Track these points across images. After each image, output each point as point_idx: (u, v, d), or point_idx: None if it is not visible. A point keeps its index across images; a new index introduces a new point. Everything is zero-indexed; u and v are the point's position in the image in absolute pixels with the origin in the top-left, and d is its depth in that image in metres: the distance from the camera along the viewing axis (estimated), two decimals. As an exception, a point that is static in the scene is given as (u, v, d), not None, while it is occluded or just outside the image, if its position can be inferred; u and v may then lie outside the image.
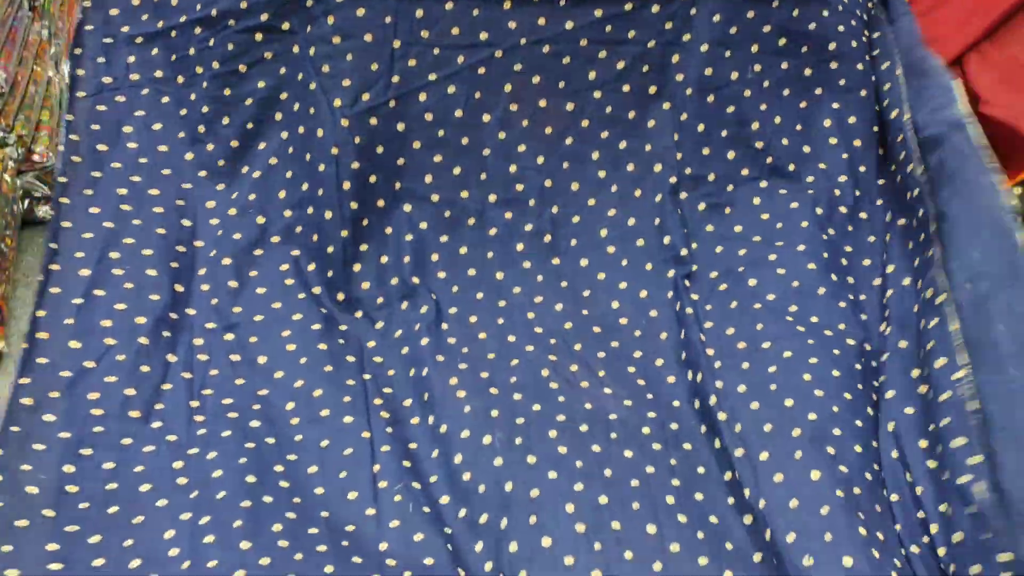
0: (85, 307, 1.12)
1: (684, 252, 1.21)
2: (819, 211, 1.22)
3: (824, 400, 1.05)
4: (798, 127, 1.26)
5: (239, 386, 1.14)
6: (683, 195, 1.23)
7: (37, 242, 1.47)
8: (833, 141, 1.26)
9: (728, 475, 1.04)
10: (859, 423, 1.04)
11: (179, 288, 1.20)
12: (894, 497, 1.01)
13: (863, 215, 1.23)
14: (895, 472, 1.02)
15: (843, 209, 1.23)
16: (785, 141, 1.25)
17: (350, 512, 1.03)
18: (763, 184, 1.22)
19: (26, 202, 1.48)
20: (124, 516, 0.99)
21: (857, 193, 1.24)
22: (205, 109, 1.22)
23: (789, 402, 1.05)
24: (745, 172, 1.22)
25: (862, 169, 1.25)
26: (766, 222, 1.22)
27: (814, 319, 1.13)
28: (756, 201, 1.22)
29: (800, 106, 1.26)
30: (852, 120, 1.25)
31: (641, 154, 1.24)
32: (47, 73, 1.61)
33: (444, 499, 1.05)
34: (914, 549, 0.96)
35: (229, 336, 1.18)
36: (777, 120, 1.24)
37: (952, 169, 1.07)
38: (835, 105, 1.26)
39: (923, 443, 1.01)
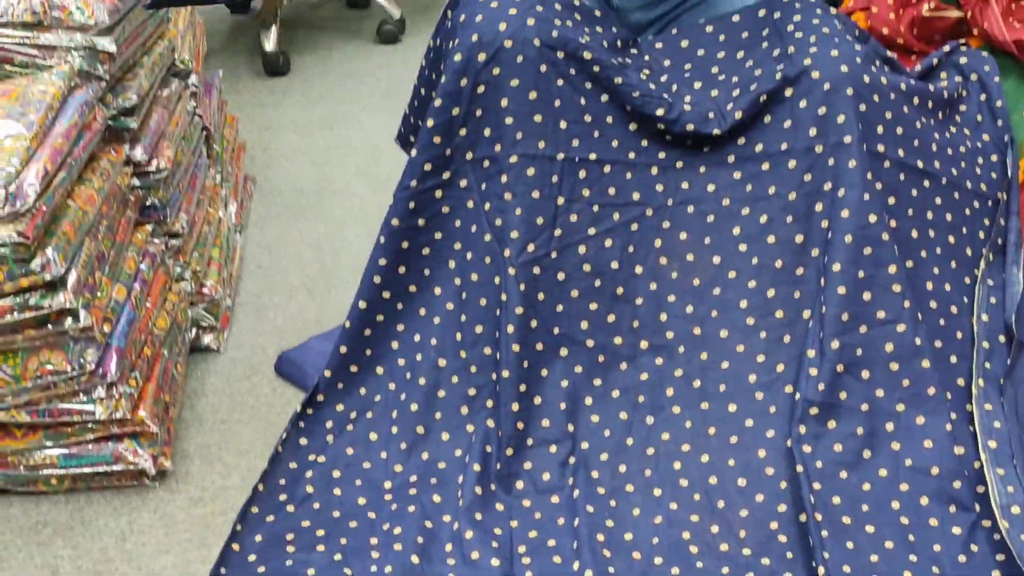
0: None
1: (815, 411, 1.25)
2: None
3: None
4: (935, 271, 1.30)
5: (412, 514, 1.25)
6: (820, 335, 1.27)
7: (200, 367, 1.60)
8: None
9: None
10: None
11: (373, 437, 1.32)
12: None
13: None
14: None
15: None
16: (930, 285, 1.29)
17: None
18: (899, 328, 1.24)
19: (194, 331, 1.61)
20: (344, 519, 1.24)
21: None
22: (383, 262, 1.34)
23: None
24: (881, 315, 1.25)
25: (1001, 339, 1.29)
26: (895, 373, 1.24)
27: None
28: (888, 348, 1.25)
29: (937, 251, 1.30)
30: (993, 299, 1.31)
31: (790, 302, 1.30)
32: (218, 213, 1.78)
33: None
34: None
35: (413, 477, 1.28)
36: (909, 264, 1.27)
37: None
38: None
39: None
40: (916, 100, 1.32)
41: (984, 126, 1.39)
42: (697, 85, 1.33)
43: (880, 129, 1.26)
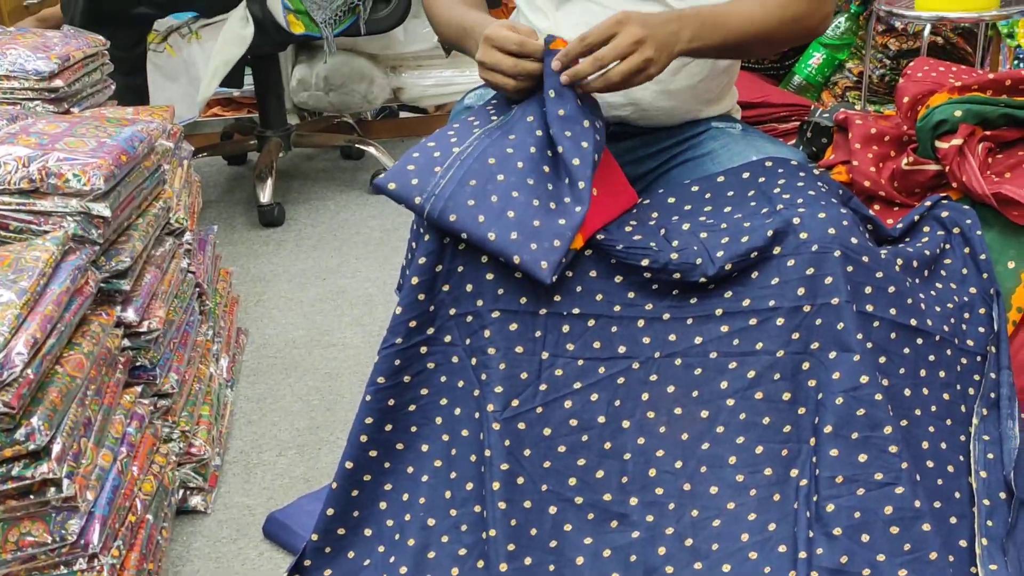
0: None
1: (815, 575, 1.21)
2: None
3: None
4: (931, 429, 1.28)
5: None
6: (815, 497, 1.24)
7: (187, 530, 1.56)
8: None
9: None
10: None
11: None
12: None
13: None
14: None
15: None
16: (926, 444, 1.27)
17: None
18: (897, 490, 1.22)
19: (180, 492, 1.58)
20: None
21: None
22: (369, 421, 1.33)
23: None
24: (878, 477, 1.23)
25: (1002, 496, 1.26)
26: (895, 536, 1.21)
27: None
28: (888, 511, 1.22)
29: (932, 408, 1.29)
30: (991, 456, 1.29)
31: (778, 459, 1.28)
32: (209, 369, 1.77)
33: None
34: None
35: None
36: (904, 423, 1.26)
37: None
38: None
39: None
40: (900, 262, 1.33)
41: (970, 279, 1.40)
42: (685, 227, 1.35)
43: (869, 289, 1.27)
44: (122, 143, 1.49)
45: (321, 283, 2.39)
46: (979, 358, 1.35)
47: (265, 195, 2.72)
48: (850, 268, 1.26)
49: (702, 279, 1.29)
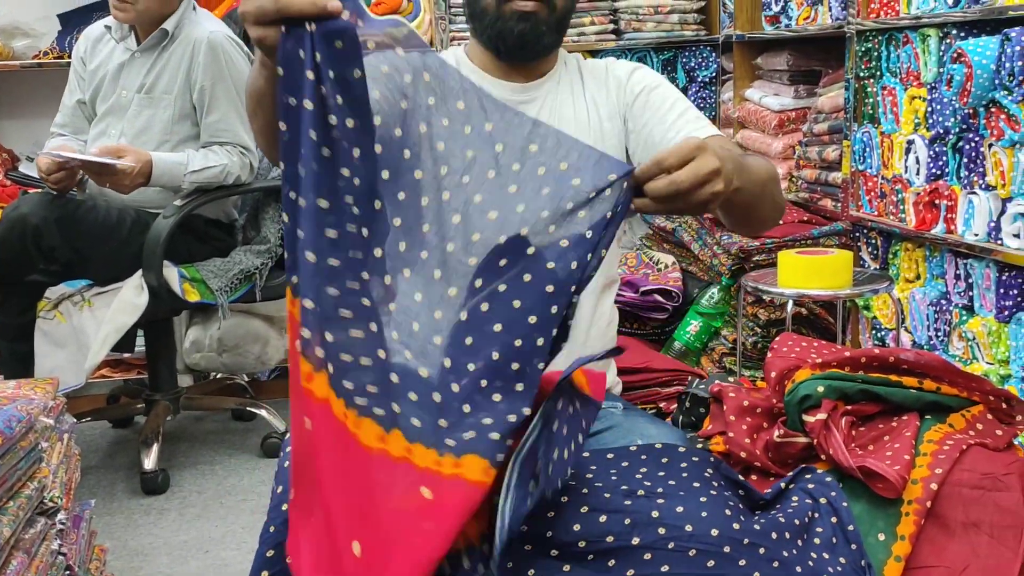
0: None
1: None
2: None
3: None
4: None
5: None
6: None
7: None
8: None
9: None
10: None
11: None
12: None
13: None
14: None
15: None
16: None
17: None
18: None
19: None
20: None
21: None
22: None
23: None
24: None
25: None
26: None
27: None
28: None
29: None
30: None
31: None
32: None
33: None
34: None
35: None
36: None
37: None
38: None
39: None
40: (775, 535, 1.37)
41: (839, 549, 1.44)
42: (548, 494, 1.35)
43: None
44: (-1, 425, 1.46)
45: (203, 556, 2.30)
46: None
47: (150, 462, 2.66)
48: (710, 563, 1.28)
49: (553, 552, 1.29)
